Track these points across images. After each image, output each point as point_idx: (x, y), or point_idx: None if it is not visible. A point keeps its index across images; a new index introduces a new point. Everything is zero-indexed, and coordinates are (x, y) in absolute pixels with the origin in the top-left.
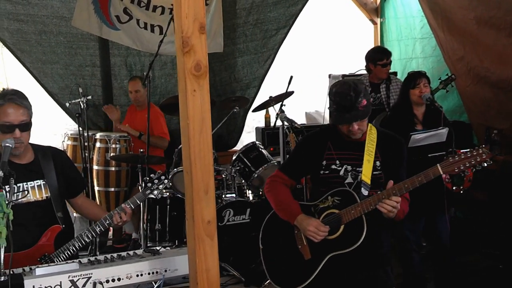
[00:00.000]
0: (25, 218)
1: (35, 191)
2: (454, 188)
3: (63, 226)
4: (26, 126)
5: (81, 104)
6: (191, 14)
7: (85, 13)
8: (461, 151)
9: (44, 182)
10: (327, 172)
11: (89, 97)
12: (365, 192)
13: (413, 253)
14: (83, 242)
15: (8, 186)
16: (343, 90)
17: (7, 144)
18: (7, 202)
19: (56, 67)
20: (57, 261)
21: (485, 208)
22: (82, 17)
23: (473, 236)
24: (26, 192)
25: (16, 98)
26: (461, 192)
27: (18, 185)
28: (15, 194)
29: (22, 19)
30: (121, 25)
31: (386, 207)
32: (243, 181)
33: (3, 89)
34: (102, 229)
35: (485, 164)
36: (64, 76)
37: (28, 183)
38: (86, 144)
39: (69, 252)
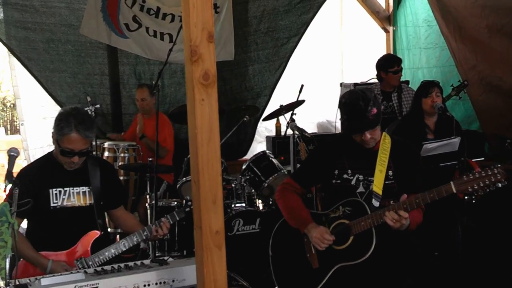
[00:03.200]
0: (68, 221)
1: (79, 197)
2: (465, 197)
3: (102, 232)
4: (85, 153)
5: (89, 113)
6: (200, 23)
7: (94, 21)
8: (473, 160)
9: (89, 190)
10: (338, 181)
11: (98, 106)
12: (376, 203)
13: (423, 264)
14: (119, 251)
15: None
16: (352, 100)
17: (12, 153)
18: (11, 212)
19: (64, 76)
20: (92, 265)
21: (497, 217)
22: (91, 25)
23: (484, 246)
24: (30, 201)
25: (82, 129)
26: (473, 201)
27: (65, 189)
28: (61, 198)
29: (30, 27)
30: (130, 33)
31: (390, 218)
32: (253, 190)
33: (75, 109)
34: (139, 239)
35: (499, 185)
36: (72, 85)
37: (74, 188)
38: (94, 153)
39: (104, 258)
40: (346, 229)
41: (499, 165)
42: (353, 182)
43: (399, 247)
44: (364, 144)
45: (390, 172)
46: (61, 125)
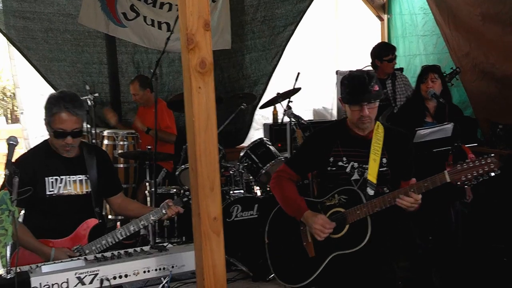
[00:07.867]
0: (64, 209)
1: (76, 185)
2: (458, 183)
3: (100, 221)
4: (78, 133)
5: (89, 102)
6: (196, 11)
7: (92, 11)
8: (466, 145)
9: (86, 178)
10: (334, 168)
11: (96, 95)
12: (371, 192)
13: (419, 248)
14: (116, 239)
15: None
16: (358, 74)
17: (11, 142)
18: (12, 200)
19: (63, 65)
20: (89, 253)
21: (489, 202)
22: (89, 15)
23: (477, 230)
24: (30, 189)
25: (71, 107)
26: (465, 186)
27: (61, 177)
28: (57, 186)
29: (28, 16)
30: (128, 22)
31: (405, 203)
32: (251, 177)
33: (62, 91)
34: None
35: (493, 174)
36: (71, 74)
37: (71, 176)
38: (93, 141)
39: (100, 246)
40: (342, 218)
41: (493, 155)
42: (348, 170)
43: (394, 235)
44: (360, 124)
45: (384, 160)
46: (51, 107)
